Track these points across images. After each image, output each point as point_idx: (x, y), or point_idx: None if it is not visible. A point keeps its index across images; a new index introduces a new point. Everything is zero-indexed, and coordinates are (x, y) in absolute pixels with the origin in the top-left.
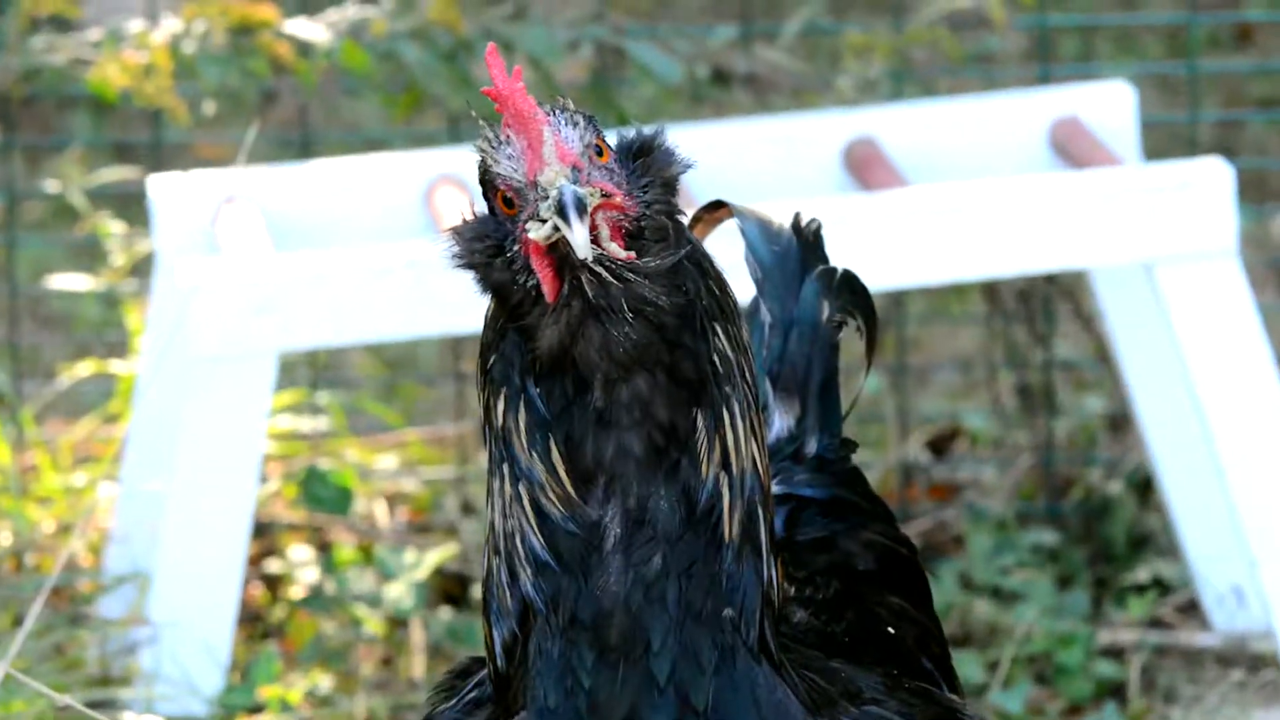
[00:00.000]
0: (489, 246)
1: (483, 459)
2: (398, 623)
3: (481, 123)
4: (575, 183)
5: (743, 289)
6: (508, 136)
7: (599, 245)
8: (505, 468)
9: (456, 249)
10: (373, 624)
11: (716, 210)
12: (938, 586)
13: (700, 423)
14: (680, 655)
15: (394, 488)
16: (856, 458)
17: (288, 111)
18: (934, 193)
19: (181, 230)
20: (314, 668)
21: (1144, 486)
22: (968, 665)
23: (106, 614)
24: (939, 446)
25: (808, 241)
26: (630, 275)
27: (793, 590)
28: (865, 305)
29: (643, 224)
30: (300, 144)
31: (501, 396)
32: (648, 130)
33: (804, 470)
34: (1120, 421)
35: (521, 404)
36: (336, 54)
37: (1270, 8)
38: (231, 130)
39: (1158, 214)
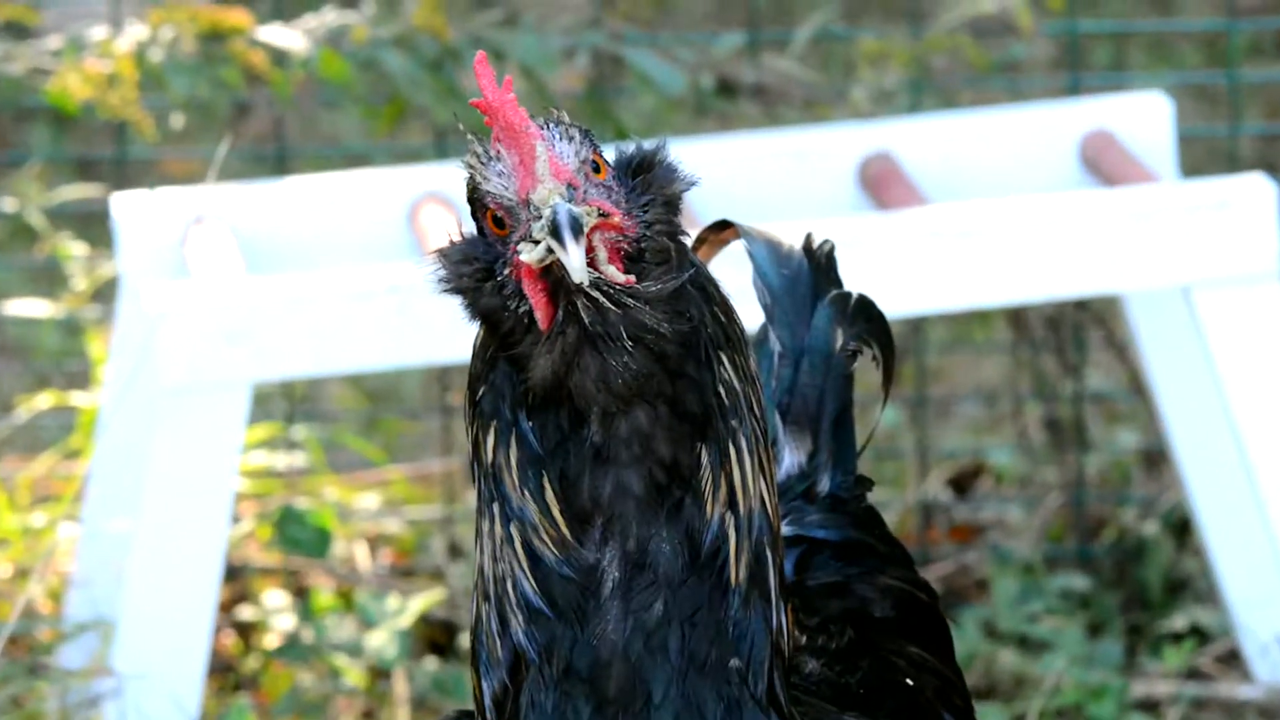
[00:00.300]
0: (478, 270)
1: (471, 498)
2: (380, 673)
3: (470, 137)
4: (570, 201)
5: (750, 315)
6: (498, 151)
7: (596, 268)
8: (495, 507)
9: (443, 272)
10: (353, 675)
11: (722, 231)
12: (960, 635)
13: (705, 459)
14: (683, 708)
15: (376, 529)
16: (872, 497)
17: (262, 125)
18: (956, 212)
19: (147, 252)
20: None
21: (1181, 527)
22: (992, 719)
23: (67, 664)
24: (961, 484)
25: (820, 264)
26: (629, 301)
27: (804, 639)
28: (882, 333)
29: (643, 245)
30: (275, 159)
31: (491, 431)
32: (648, 145)
33: (816, 510)
34: (1156, 457)
35: (513, 439)
36: (314, 63)
37: None
38: (201, 145)
39: (1196, 234)
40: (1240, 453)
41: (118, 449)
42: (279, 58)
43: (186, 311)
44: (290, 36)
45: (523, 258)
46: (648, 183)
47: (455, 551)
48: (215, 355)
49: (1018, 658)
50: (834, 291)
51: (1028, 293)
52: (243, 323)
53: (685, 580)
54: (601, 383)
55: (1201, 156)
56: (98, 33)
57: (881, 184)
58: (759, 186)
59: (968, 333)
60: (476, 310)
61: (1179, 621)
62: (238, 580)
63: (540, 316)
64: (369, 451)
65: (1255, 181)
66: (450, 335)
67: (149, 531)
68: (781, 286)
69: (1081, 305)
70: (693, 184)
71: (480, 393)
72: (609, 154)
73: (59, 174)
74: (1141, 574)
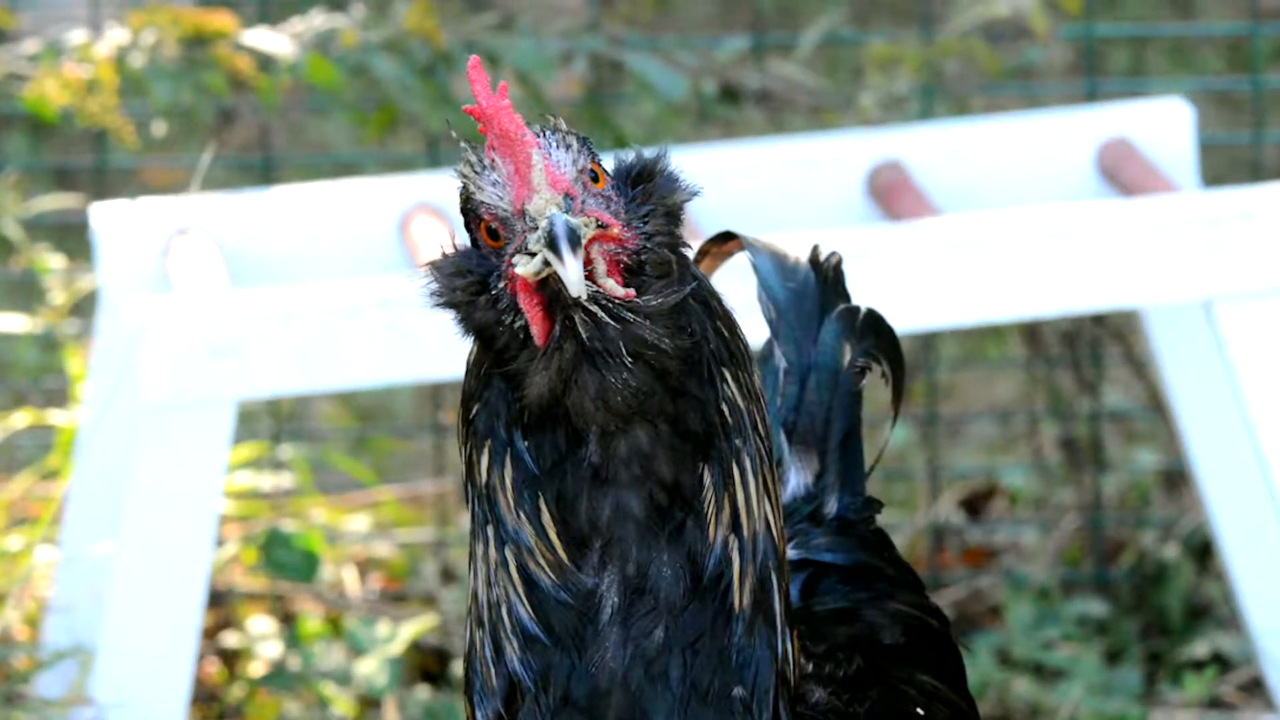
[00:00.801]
0: (471, 283)
1: (464, 520)
2: (370, 703)
3: (463, 145)
4: (568, 212)
5: (755, 330)
6: (492, 160)
7: (594, 282)
8: (490, 530)
9: (435, 286)
10: (342, 704)
11: (725, 242)
12: (973, 662)
13: (707, 480)
14: None
15: (365, 552)
16: (882, 519)
17: (247, 132)
18: (968, 223)
19: (128, 265)
20: None
21: (1202, 551)
22: None
23: (45, 693)
24: (974, 506)
25: (827, 277)
26: (629, 315)
27: (810, 667)
28: (891, 349)
29: (643, 258)
30: (261, 168)
31: (486, 450)
32: (649, 153)
33: (823, 533)
34: (1176, 478)
35: (508, 459)
36: (301, 68)
37: None
38: (185, 153)
39: (1218, 246)
40: (1264, 473)
41: (97, 469)
42: (265, 63)
43: (169, 326)
44: (276, 41)
45: (518, 270)
46: (648, 193)
47: (448, 576)
48: (199, 372)
49: (1033, 686)
50: (842, 305)
51: (1043, 307)
52: (227, 338)
53: (687, 606)
54: (600, 401)
55: (1224, 165)
56: (76, 37)
57: (891, 194)
58: (763, 196)
59: (980, 349)
60: (470, 325)
61: (1200, 648)
62: (222, 606)
63: (536, 332)
64: (358, 472)
65: (1279, 191)
66: (442, 351)
67: (130, 555)
68: (787, 300)
69: (1099, 320)
70: (695, 194)
71: (474, 411)
72: (608, 163)
73: (36, 183)
74: (1161, 599)
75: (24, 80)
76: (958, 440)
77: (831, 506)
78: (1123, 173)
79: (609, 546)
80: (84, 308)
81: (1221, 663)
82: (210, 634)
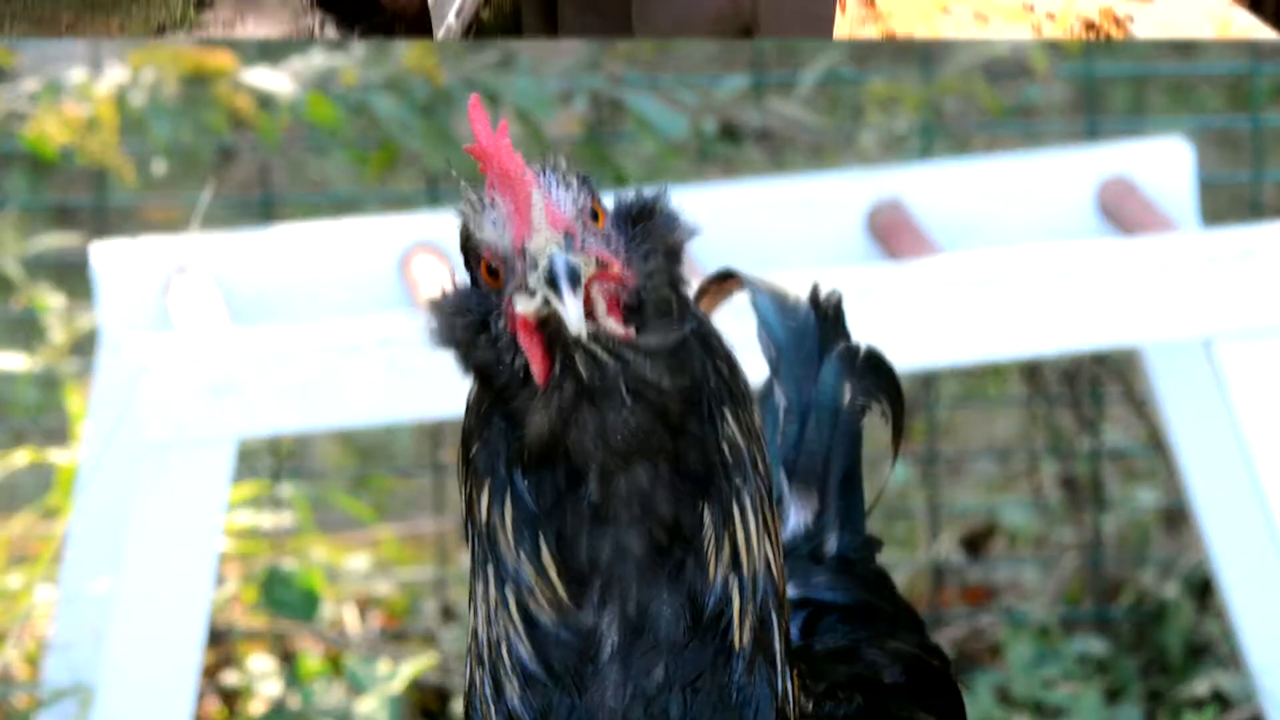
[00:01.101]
0: (471, 322)
1: (464, 559)
2: None
3: (463, 183)
4: (568, 251)
5: (755, 369)
6: (492, 199)
7: (594, 320)
8: (490, 568)
9: (435, 325)
10: None
11: (725, 281)
12: (973, 701)
13: (707, 519)
14: None
15: (366, 591)
16: (882, 558)
17: (247, 171)
18: (968, 262)
19: (128, 303)
20: None
21: (1203, 589)
22: None
23: None
24: (974, 545)
25: (827, 316)
26: (629, 354)
27: (810, 705)
28: (891, 387)
29: (643, 296)
30: (261, 207)
31: (485, 489)
32: (649, 192)
33: (823, 571)
34: (1176, 516)
35: (508, 498)
36: (301, 106)
37: None
38: (184, 192)
39: (1218, 284)
40: (1264, 511)
41: (97, 508)
42: (265, 101)
43: (169, 365)
44: (277, 79)
45: (518, 309)
46: (648, 231)
47: (448, 614)
48: (199, 410)
49: None
50: (842, 344)
51: (1043, 345)
52: (228, 377)
53: (687, 644)
54: (600, 439)
55: (1224, 203)
56: (76, 75)
57: (891, 233)
58: (763, 235)
59: (980, 387)
60: (470, 364)
61: (1200, 687)
62: (222, 644)
63: (536, 370)
64: (358, 510)
65: (1279, 230)
66: (443, 390)
67: (129, 593)
68: (787, 339)
69: (1099, 358)
70: (695, 233)
71: (474, 449)
72: (608, 201)
73: (36, 222)
74: (1161, 637)
75: (24, 118)
76: (958, 478)
77: (832, 545)
78: (1123, 211)
79: (609, 585)
80: (84, 346)
81: (1222, 701)
82: (210, 672)
